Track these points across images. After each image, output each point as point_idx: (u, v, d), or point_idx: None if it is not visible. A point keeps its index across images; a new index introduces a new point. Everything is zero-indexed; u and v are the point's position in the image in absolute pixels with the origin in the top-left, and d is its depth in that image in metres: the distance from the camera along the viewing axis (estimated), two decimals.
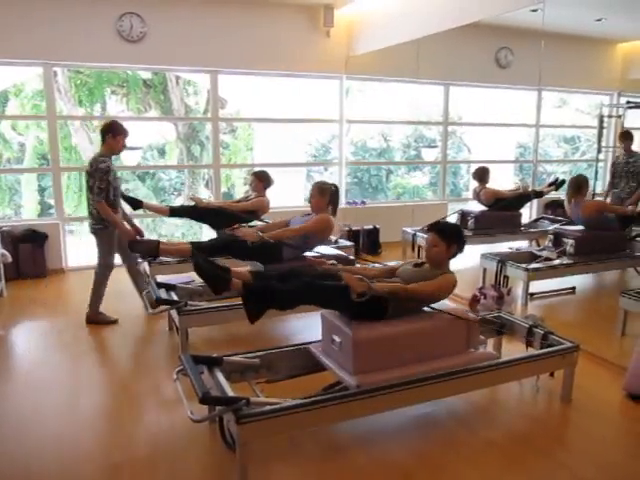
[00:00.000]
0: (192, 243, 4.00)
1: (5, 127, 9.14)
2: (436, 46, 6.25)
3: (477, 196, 6.38)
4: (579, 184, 5.22)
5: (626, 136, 5.93)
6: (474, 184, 6.55)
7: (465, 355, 2.86)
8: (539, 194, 6.59)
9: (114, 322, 4.41)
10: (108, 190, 4.19)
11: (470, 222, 6.15)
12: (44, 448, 2.69)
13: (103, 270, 4.39)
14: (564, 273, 5.01)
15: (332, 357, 2.81)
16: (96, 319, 4.40)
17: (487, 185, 6.35)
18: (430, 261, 2.95)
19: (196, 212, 4.92)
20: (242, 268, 3.35)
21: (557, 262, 4.99)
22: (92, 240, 4.45)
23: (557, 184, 6.51)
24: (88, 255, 5.01)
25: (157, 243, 3.89)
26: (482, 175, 6.37)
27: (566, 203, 5.34)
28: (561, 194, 7.04)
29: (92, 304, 4.41)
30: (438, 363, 2.75)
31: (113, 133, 4.24)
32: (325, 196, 4.10)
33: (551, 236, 5.33)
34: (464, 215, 6.29)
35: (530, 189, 6.62)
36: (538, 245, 6.14)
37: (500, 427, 2.91)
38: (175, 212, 4.98)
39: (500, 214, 6.22)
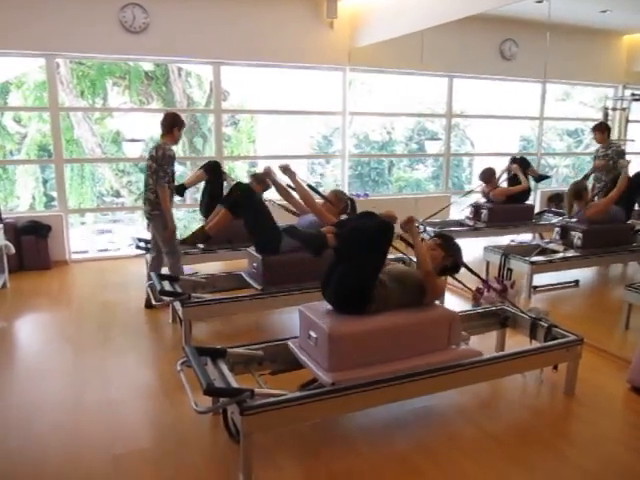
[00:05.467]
0: (227, 207, 4.02)
1: (7, 119, 9.13)
2: (440, 38, 6.22)
3: (486, 196, 6.37)
4: (578, 191, 5.19)
5: (599, 128, 5.78)
6: (476, 176, 6.54)
7: (446, 352, 2.78)
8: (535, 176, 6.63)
9: None
10: (170, 177, 4.33)
11: (483, 215, 6.16)
12: (48, 439, 2.70)
13: (173, 258, 4.41)
14: (568, 266, 5.01)
15: (309, 353, 2.74)
16: None
17: (495, 185, 6.37)
18: None
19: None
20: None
21: (566, 255, 4.99)
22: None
23: (541, 176, 6.66)
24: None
25: (202, 227, 4.10)
26: (489, 177, 6.37)
27: (567, 210, 5.31)
28: (564, 186, 7.02)
29: None
30: (418, 360, 2.67)
31: (179, 127, 4.39)
32: (339, 205, 4.21)
33: (558, 229, 5.31)
34: (477, 208, 6.29)
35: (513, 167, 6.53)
36: (542, 238, 6.14)
37: (503, 420, 2.91)
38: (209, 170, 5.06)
39: (513, 207, 6.25)
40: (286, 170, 4.25)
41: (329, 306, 2.78)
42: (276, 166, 5.39)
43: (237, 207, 3.96)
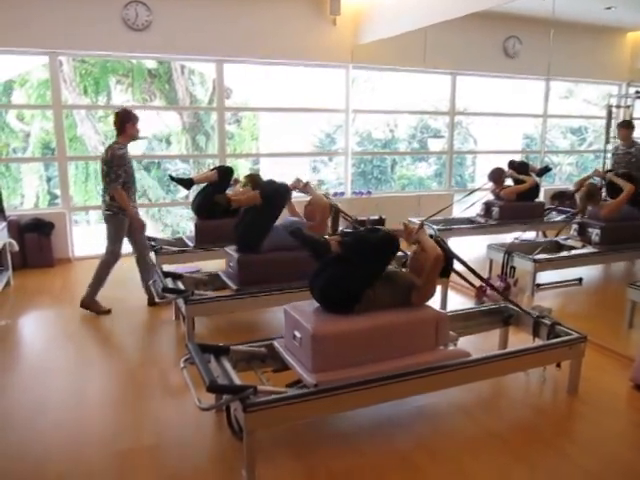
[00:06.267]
0: (264, 193, 4.02)
1: (10, 117, 9.15)
2: (443, 35, 6.20)
3: (497, 196, 6.37)
4: (591, 194, 5.19)
5: (627, 125, 5.83)
6: (479, 174, 6.53)
7: (433, 353, 2.73)
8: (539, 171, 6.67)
9: (106, 312, 4.40)
10: (124, 177, 4.27)
11: (494, 212, 6.17)
12: (51, 436, 2.71)
13: (108, 257, 4.40)
14: (572, 264, 5.01)
15: (294, 353, 2.70)
16: (89, 305, 4.39)
17: (504, 184, 6.37)
18: (412, 262, 2.93)
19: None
20: None
21: (570, 253, 5.01)
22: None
23: (542, 170, 6.73)
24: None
25: (227, 199, 4.13)
26: (498, 177, 6.38)
27: (581, 212, 5.29)
28: (567, 184, 6.99)
29: (90, 289, 4.41)
30: (405, 361, 2.63)
31: (132, 122, 4.32)
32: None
33: (576, 225, 5.31)
34: (488, 205, 6.29)
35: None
36: (545, 236, 6.13)
37: (505, 418, 2.91)
38: (223, 174, 5.08)
39: (524, 204, 6.25)
40: (306, 186, 4.33)
41: (315, 305, 2.75)
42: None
43: (270, 198, 3.96)
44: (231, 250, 4.05)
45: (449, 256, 3.00)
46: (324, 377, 2.46)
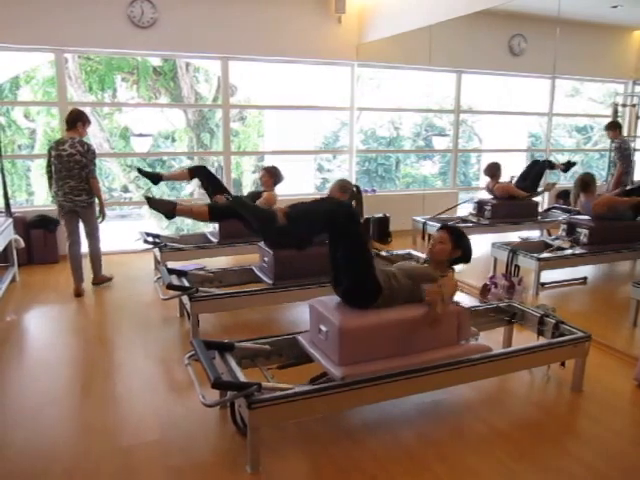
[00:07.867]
0: (209, 205, 3.97)
1: (17, 114, 9.19)
2: (449, 33, 6.18)
3: (491, 192, 6.35)
4: (586, 182, 5.17)
5: (613, 125, 5.99)
6: (484, 174, 6.51)
7: (456, 347, 2.78)
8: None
9: (110, 279, 5.10)
10: None
11: (487, 211, 6.12)
12: (57, 431, 2.73)
13: (98, 237, 4.90)
14: (576, 263, 4.98)
15: (319, 348, 2.75)
16: (101, 281, 5.03)
17: (500, 180, 6.34)
18: (432, 256, 2.92)
19: (215, 179, 5.09)
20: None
21: (570, 252, 4.96)
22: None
23: (567, 166, 6.60)
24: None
25: (175, 204, 3.82)
26: (494, 171, 6.36)
27: (572, 201, 5.28)
28: (572, 183, 6.94)
29: (98, 271, 5.00)
30: (428, 355, 2.68)
31: (83, 121, 4.68)
32: (345, 195, 4.16)
33: (564, 225, 5.29)
34: (481, 204, 6.26)
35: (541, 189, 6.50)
36: (549, 235, 6.11)
37: (510, 415, 2.91)
38: (195, 173, 5.08)
39: (517, 203, 6.21)
40: None
41: (338, 300, 2.78)
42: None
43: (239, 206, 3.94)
44: (264, 245, 4.13)
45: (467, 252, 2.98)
46: (350, 370, 2.52)
